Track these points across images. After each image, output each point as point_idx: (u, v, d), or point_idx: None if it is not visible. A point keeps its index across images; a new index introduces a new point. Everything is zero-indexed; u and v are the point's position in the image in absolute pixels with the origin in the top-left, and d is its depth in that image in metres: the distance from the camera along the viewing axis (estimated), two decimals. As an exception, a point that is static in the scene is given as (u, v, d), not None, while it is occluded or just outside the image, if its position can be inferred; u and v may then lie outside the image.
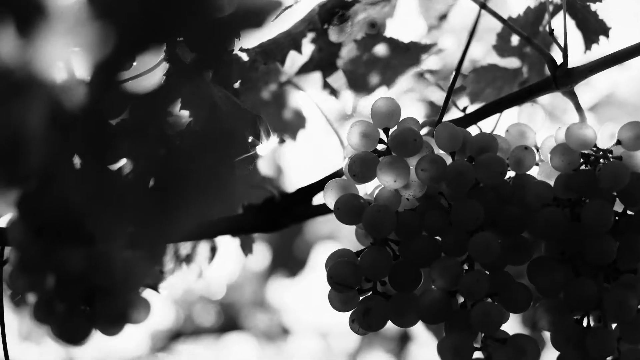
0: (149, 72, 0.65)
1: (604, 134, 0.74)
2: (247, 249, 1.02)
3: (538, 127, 0.78)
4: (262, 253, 2.10)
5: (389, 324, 0.75)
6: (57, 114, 0.56)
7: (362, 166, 0.74)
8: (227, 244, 1.03)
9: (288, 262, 2.12)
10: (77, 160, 0.60)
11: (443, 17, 1.04)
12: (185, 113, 0.68)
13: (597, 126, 0.74)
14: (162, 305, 2.11)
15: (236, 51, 0.86)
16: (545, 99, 1.21)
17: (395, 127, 0.75)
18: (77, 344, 0.68)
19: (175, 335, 2.23)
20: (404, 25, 1.00)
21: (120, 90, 0.58)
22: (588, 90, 1.41)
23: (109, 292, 0.66)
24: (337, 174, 0.83)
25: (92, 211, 0.59)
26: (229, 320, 2.25)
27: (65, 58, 0.59)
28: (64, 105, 0.56)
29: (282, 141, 1.03)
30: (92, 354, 2.01)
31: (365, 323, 0.73)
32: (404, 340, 2.10)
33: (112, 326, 0.67)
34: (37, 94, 0.54)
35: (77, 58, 0.57)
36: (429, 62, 0.99)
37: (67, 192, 0.59)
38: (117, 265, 0.64)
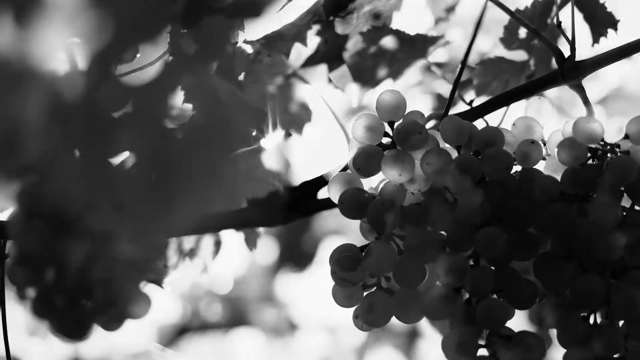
0: (151, 64, 0.65)
1: (612, 128, 0.73)
2: (251, 243, 1.02)
3: (545, 121, 0.77)
4: (269, 247, 2.09)
5: (395, 320, 0.74)
6: (57, 105, 0.56)
7: (367, 160, 0.73)
8: (234, 238, 1.03)
9: (296, 256, 2.12)
10: (77, 154, 0.60)
11: (451, 9, 1.03)
12: (188, 106, 0.67)
13: (605, 120, 0.73)
14: (168, 300, 2.10)
15: (240, 43, 0.85)
16: (552, 92, 1.20)
17: (401, 121, 0.74)
18: (77, 339, 0.67)
19: (182, 331, 2.23)
20: (411, 17, 0.99)
21: (122, 83, 0.57)
22: (596, 83, 1.40)
23: (110, 287, 0.65)
24: (343, 168, 0.82)
25: (93, 205, 0.58)
26: (236, 315, 2.25)
27: (64, 48, 0.59)
28: (64, 97, 0.56)
29: (288, 135, 1.02)
30: (98, 349, 2.01)
31: (369, 319, 0.73)
32: (412, 335, 2.09)
33: (112, 321, 0.66)
34: (35, 86, 0.54)
35: (76, 48, 0.57)
36: (436, 54, 0.98)
37: (68, 186, 0.58)
38: (118, 259, 0.64)
